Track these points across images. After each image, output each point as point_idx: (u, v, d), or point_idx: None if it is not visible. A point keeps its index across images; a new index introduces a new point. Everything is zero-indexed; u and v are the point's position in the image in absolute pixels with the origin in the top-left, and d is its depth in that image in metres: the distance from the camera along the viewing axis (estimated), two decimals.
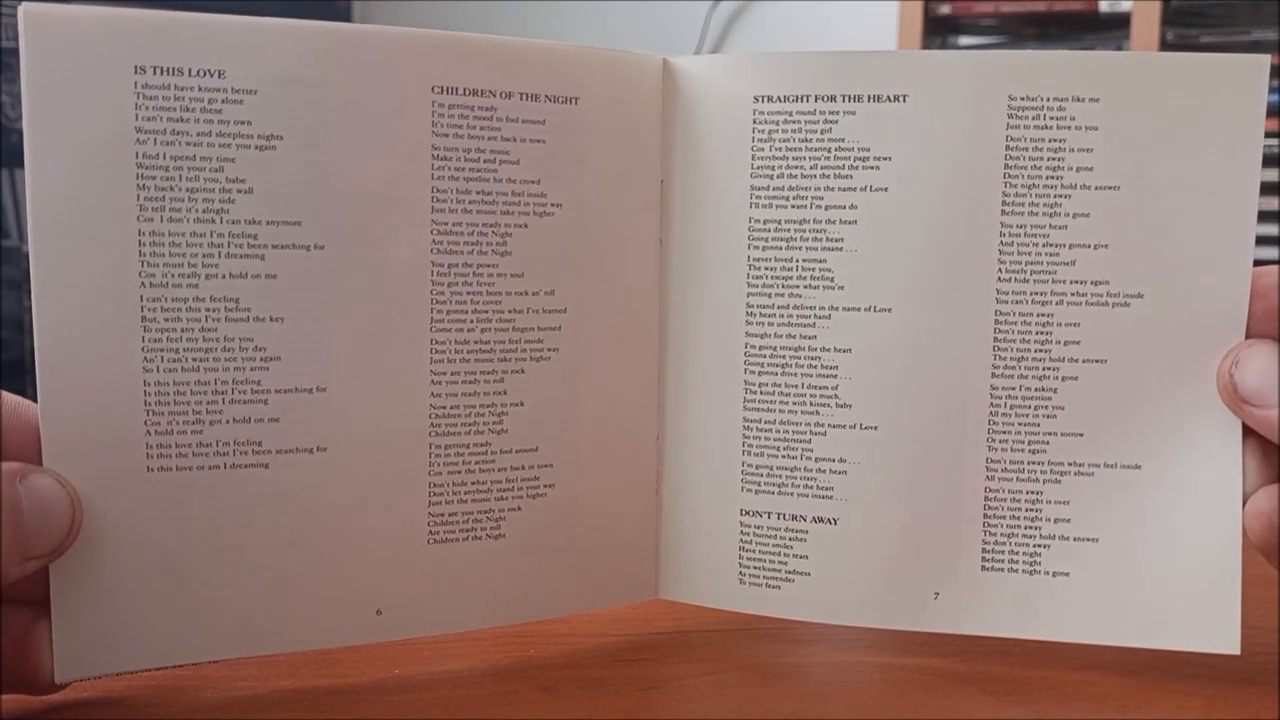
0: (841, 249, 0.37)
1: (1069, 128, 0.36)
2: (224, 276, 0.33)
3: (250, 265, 0.33)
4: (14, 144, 1.73)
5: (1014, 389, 0.37)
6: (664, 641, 0.40)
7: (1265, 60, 0.35)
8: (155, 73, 0.32)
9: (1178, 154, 0.35)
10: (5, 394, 0.32)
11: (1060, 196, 0.36)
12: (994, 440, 0.37)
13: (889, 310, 0.37)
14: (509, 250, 0.37)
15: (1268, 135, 1.59)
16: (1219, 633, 0.36)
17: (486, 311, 0.36)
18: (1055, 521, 0.37)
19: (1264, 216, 1.60)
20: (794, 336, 0.38)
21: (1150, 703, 0.35)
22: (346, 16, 2.16)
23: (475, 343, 0.36)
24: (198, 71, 0.32)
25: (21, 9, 0.31)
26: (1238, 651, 0.35)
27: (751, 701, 0.35)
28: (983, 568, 0.37)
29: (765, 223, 0.38)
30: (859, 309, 0.37)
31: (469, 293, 0.36)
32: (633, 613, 0.42)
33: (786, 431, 0.38)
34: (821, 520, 0.38)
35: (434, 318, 0.36)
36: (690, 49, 2.06)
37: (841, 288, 0.37)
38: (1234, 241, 0.35)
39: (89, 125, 0.32)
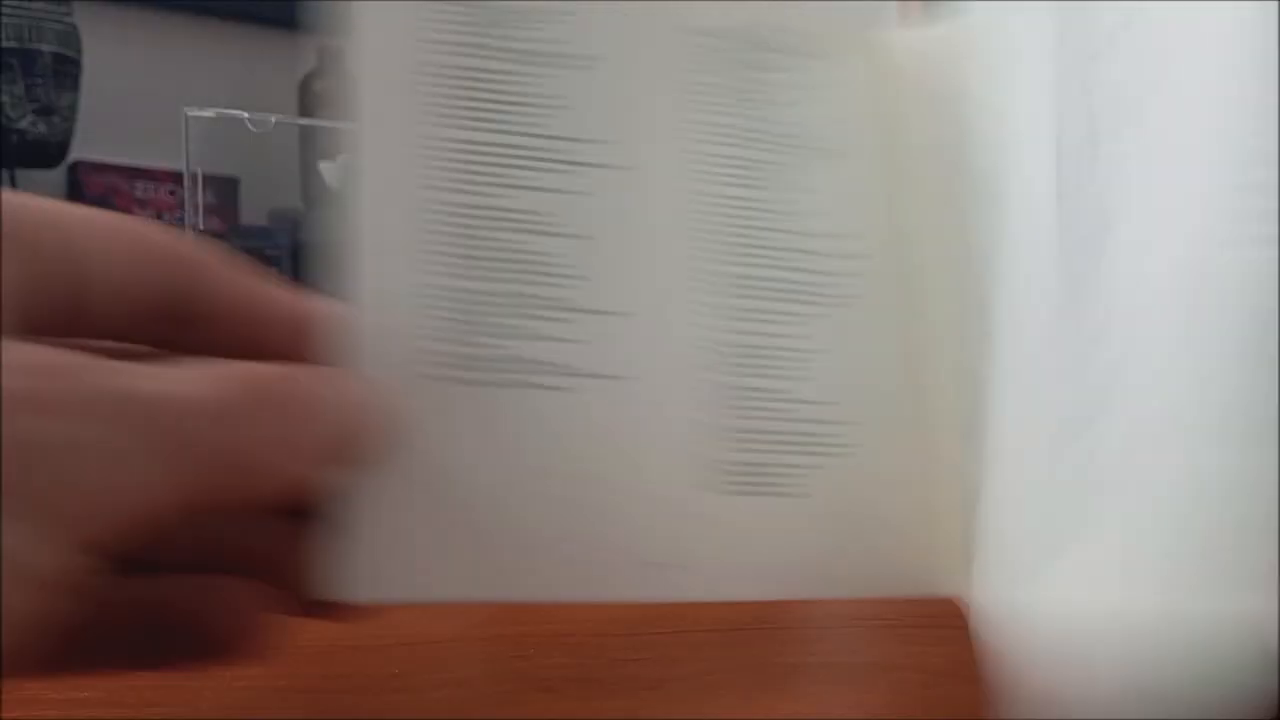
0: None
1: None
2: (536, 190, 0.33)
3: (563, 180, 0.33)
4: (14, 144, 1.73)
5: None
6: (664, 641, 0.41)
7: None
8: None
9: None
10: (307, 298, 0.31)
11: None
12: None
13: None
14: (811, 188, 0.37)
15: None
16: None
17: (790, 250, 0.36)
18: None
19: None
20: None
21: None
22: None
23: (782, 280, 0.36)
24: None
25: None
26: None
27: (751, 702, 0.36)
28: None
29: None
30: None
31: (770, 230, 0.36)
32: (632, 612, 0.42)
33: None
34: None
35: (736, 253, 0.35)
36: None
37: None
38: None
39: (408, 47, 0.32)
